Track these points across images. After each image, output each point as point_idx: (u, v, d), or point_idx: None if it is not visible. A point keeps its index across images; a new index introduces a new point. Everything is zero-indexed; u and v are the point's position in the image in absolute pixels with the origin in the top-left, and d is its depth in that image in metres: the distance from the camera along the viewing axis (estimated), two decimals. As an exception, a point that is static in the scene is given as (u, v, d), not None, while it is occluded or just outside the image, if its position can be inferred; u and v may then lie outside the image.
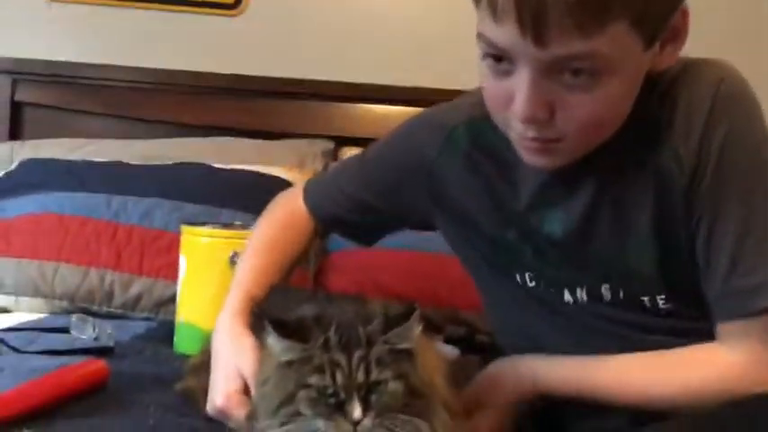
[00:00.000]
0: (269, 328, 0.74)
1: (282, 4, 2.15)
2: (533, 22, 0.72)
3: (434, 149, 1.00)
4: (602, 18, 0.72)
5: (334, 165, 1.21)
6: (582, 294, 0.92)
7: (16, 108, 2.08)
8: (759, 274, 0.81)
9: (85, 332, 1.34)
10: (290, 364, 0.74)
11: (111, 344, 1.27)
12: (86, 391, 0.96)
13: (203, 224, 1.42)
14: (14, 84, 2.06)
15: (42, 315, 1.57)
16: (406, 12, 2.18)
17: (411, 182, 1.03)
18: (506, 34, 0.75)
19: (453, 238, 1.05)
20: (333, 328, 0.74)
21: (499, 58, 0.79)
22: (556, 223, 0.91)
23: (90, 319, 1.37)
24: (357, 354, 0.72)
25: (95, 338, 1.32)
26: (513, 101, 0.80)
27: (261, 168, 1.89)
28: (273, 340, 0.75)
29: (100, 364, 1.00)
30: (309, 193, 1.13)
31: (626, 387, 0.86)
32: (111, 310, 1.60)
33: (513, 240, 0.95)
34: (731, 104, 0.82)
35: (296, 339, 0.74)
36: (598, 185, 0.88)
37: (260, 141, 2.06)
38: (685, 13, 0.81)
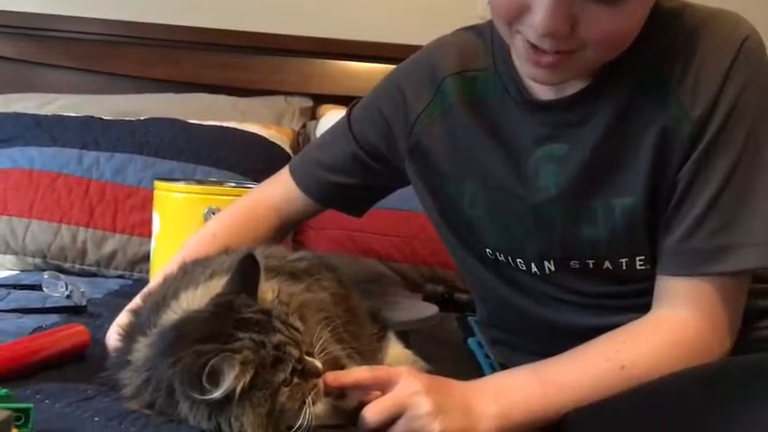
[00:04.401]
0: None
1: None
2: None
3: (423, 102, 0.96)
4: None
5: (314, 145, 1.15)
6: (550, 266, 0.90)
7: (-18, 61, 2.02)
8: (731, 235, 0.79)
9: (57, 290, 1.32)
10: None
11: (83, 302, 1.25)
12: (67, 355, 0.92)
13: (177, 180, 1.39)
14: (-20, 36, 2.00)
15: (13, 272, 1.54)
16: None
17: (394, 132, 0.99)
18: None
19: (422, 195, 1.01)
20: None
21: None
22: (549, 179, 0.88)
23: (62, 276, 1.35)
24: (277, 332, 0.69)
25: (67, 296, 1.30)
26: (528, 11, 0.76)
27: (237, 125, 1.85)
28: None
29: (81, 328, 0.97)
30: (295, 169, 1.08)
31: (597, 385, 0.78)
32: (85, 267, 1.57)
33: (493, 201, 0.92)
34: (751, 64, 0.80)
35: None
36: (597, 142, 0.85)
37: (235, 98, 2.02)
38: None
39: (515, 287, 0.95)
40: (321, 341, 0.73)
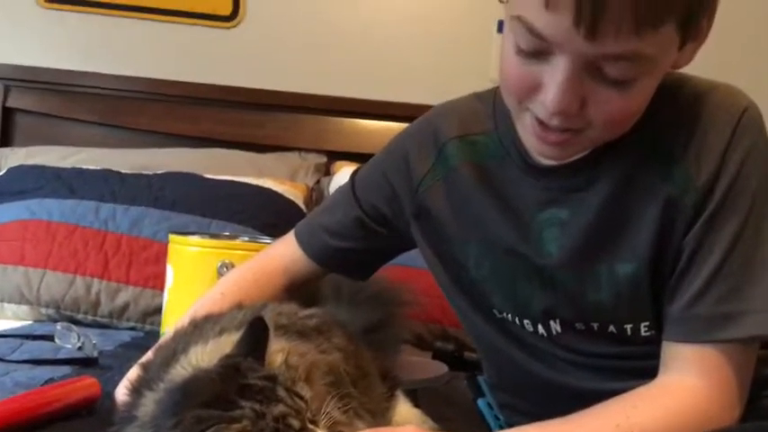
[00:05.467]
0: None
1: (279, 18, 2.16)
2: (591, 15, 0.69)
3: (426, 165, 0.98)
4: (661, 17, 0.70)
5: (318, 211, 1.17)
6: (556, 326, 0.90)
7: (7, 115, 2.08)
8: (737, 301, 0.79)
9: (70, 341, 1.33)
10: None
11: (95, 354, 1.26)
12: (77, 407, 0.93)
13: (191, 234, 1.41)
14: (6, 90, 2.06)
15: (27, 322, 1.56)
16: (402, 30, 2.19)
17: (399, 195, 1.01)
18: (556, 23, 0.72)
19: (429, 257, 1.02)
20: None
21: (537, 48, 0.75)
22: (552, 243, 0.88)
23: (74, 327, 1.36)
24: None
25: (79, 348, 1.30)
26: (540, 89, 0.77)
27: (252, 180, 1.88)
28: None
29: (91, 380, 0.97)
30: (299, 232, 1.10)
31: None
32: (97, 318, 1.58)
33: (497, 262, 0.93)
34: (752, 133, 0.81)
35: None
36: (600, 208, 0.85)
37: (251, 153, 2.06)
38: (712, 14, 0.79)
39: (522, 348, 0.95)
40: (329, 408, 0.73)
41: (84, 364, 1.20)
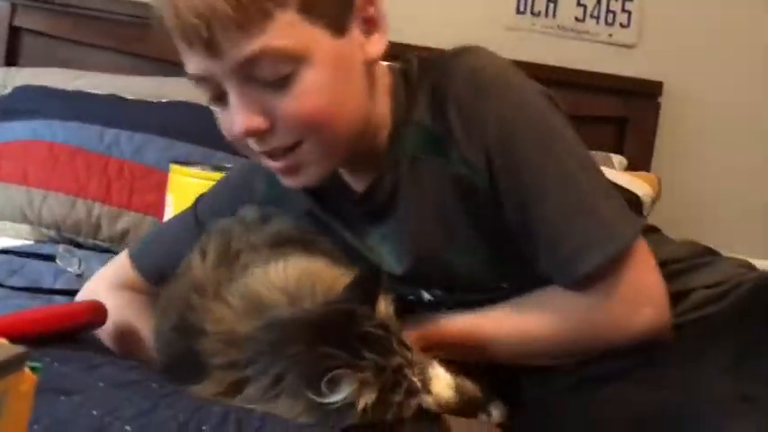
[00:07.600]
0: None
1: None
2: (198, 38, 0.74)
3: (263, 182, 0.98)
4: (263, 12, 0.74)
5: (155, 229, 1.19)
6: (437, 292, 0.92)
7: (14, 34, 2.05)
8: (569, 243, 0.80)
9: (71, 265, 1.34)
10: None
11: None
12: (82, 328, 0.92)
13: (194, 164, 1.41)
14: (13, 8, 2.02)
15: (28, 242, 1.57)
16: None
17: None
18: (190, 59, 0.78)
19: None
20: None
21: (214, 91, 0.79)
22: (390, 256, 0.90)
23: (77, 251, 1.37)
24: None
25: (79, 275, 1.30)
26: (233, 124, 0.79)
27: (258, 114, 1.87)
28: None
29: (99, 303, 0.97)
30: (137, 255, 1.04)
31: (508, 333, 0.85)
32: (98, 242, 1.60)
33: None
34: (493, 93, 0.81)
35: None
36: (414, 211, 0.87)
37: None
38: (372, 2, 0.81)
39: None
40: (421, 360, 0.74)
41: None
